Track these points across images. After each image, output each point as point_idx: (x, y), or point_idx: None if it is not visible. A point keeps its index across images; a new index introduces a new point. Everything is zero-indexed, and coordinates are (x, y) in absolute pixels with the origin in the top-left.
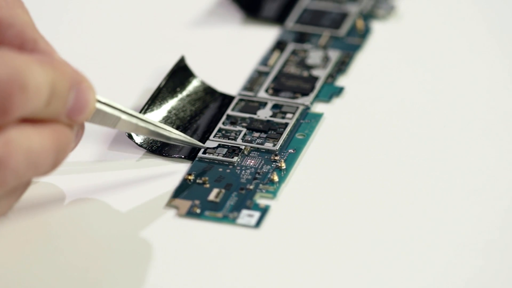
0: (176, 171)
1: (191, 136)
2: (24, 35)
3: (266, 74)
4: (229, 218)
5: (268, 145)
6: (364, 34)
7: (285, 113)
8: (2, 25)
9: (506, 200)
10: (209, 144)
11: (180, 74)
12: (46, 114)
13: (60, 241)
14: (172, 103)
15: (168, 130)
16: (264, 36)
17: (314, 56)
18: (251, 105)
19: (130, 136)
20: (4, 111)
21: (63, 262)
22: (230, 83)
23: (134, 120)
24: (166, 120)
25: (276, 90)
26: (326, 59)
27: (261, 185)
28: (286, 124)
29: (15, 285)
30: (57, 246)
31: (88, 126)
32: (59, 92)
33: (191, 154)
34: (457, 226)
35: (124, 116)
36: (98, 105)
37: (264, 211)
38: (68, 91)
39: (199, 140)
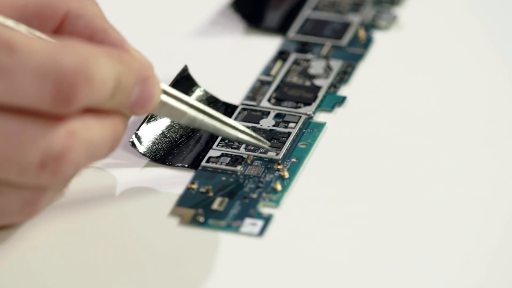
0: (179, 180)
1: (195, 144)
2: (94, 25)
3: (269, 83)
4: (232, 227)
5: (271, 154)
6: (366, 44)
7: (287, 122)
8: (71, 17)
9: (510, 206)
10: (213, 153)
11: (183, 83)
12: (109, 106)
13: (62, 249)
14: None
15: (236, 128)
16: (266, 46)
17: (316, 66)
18: (254, 115)
19: (133, 145)
20: (68, 101)
21: (65, 270)
22: (233, 92)
23: (200, 116)
24: (170, 129)
25: (278, 99)
26: (328, 68)
27: (264, 194)
28: (289, 134)
29: None
30: (58, 254)
31: None
32: (124, 86)
33: (194, 163)
34: (461, 235)
35: (190, 111)
36: (165, 98)
37: (267, 219)
38: (133, 85)
39: (202, 150)
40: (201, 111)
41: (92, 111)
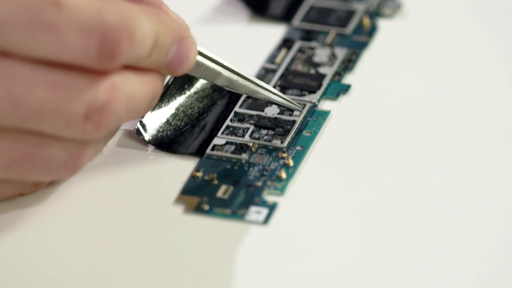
0: (184, 167)
1: (199, 132)
2: None
3: (273, 71)
4: (237, 215)
5: (276, 142)
6: (370, 32)
7: (292, 110)
8: None
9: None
10: (217, 141)
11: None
12: (147, 64)
13: (68, 235)
14: (180, 100)
15: (268, 90)
16: (271, 34)
17: (321, 54)
18: (259, 103)
19: (138, 132)
20: (112, 56)
21: (71, 257)
22: None
23: (234, 77)
24: (174, 117)
25: (283, 87)
26: (333, 57)
27: (269, 182)
28: (294, 122)
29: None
30: (64, 241)
31: None
32: (162, 44)
33: (199, 150)
34: (468, 224)
35: (224, 72)
36: (200, 59)
37: (272, 207)
38: (170, 43)
39: (207, 137)
40: (235, 73)
41: (131, 67)
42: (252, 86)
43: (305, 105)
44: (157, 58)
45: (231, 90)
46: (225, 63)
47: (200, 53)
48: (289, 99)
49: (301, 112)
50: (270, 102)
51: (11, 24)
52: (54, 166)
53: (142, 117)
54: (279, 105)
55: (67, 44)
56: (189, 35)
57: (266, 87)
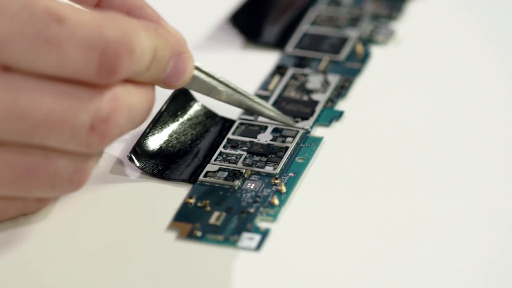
0: (177, 194)
1: (192, 159)
2: (130, 2)
3: (267, 98)
4: (230, 241)
5: (269, 169)
6: (363, 58)
7: (285, 137)
8: None
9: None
10: (210, 167)
11: (181, 98)
12: (145, 78)
13: (60, 263)
14: (173, 127)
15: (262, 105)
16: (264, 60)
17: (314, 81)
18: (252, 129)
19: (131, 159)
20: (113, 71)
21: (64, 283)
22: (231, 107)
23: (230, 91)
24: (167, 143)
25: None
26: (326, 83)
27: (261, 208)
28: (286, 148)
29: None
30: (56, 269)
31: None
32: (160, 59)
33: (192, 177)
34: (460, 251)
35: (220, 86)
36: (197, 73)
37: (264, 234)
38: (168, 58)
39: (200, 164)
40: (230, 87)
41: (130, 81)
42: (247, 101)
43: (297, 131)
44: (155, 73)
45: (228, 104)
46: (221, 78)
47: (197, 68)
48: (282, 116)
49: (293, 126)
50: (266, 117)
51: (15, 39)
52: (59, 181)
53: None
54: (274, 120)
55: (69, 59)
56: (186, 50)
57: (261, 103)
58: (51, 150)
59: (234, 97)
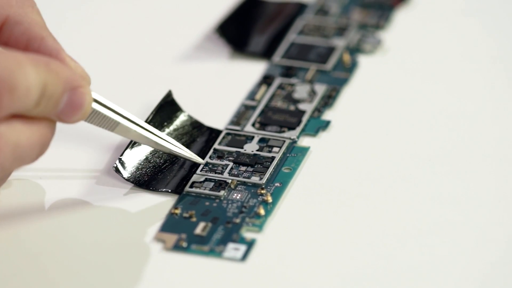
0: (162, 205)
1: (179, 169)
2: (31, 32)
3: (253, 108)
4: (215, 252)
5: (255, 179)
6: (350, 68)
7: (271, 147)
8: (10, 22)
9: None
10: (196, 178)
11: (167, 108)
12: (36, 113)
13: (45, 275)
14: None
15: (169, 142)
16: (251, 70)
17: (300, 90)
18: (238, 139)
19: (117, 170)
20: None
21: None
22: (217, 117)
23: (133, 127)
24: (154, 154)
25: (263, 124)
26: (312, 93)
27: (247, 219)
28: (273, 158)
29: None
30: (41, 281)
31: (77, 159)
32: (50, 94)
33: (178, 188)
34: (453, 259)
35: (123, 122)
36: (98, 108)
37: (250, 244)
38: (60, 93)
39: (186, 175)
40: (134, 123)
41: (18, 116)
42: (152, 137)
43: (284, 141)
44: (46, 108)
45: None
46: (125, 113)
47: (98, 102)
48: (190, 154)
49: (202, 163)
50: (171, 154)
51: None
52: None
53: (30, 163)
54: (179, 157)
55: None
56: (82, 85)
57: (167, 139)
58: None
59: (137, 133)
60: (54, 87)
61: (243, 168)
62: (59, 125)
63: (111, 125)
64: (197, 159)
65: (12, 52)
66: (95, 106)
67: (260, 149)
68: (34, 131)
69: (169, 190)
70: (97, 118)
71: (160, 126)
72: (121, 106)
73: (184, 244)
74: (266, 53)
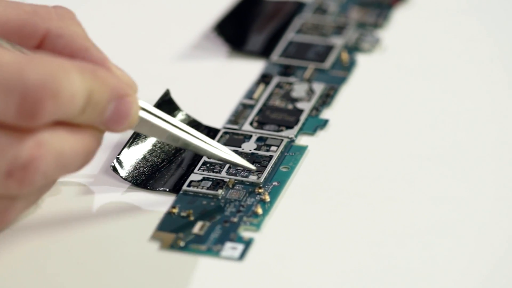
0: (160, 204)
1: (176, 168)
2: (74, 44)
3: (251, 107)
4: (213, 251)
5: (253, 178)
6: (349, 67)
7: (269, 146)
8: (52, 36)
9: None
10: (194, 177)
11: (165, 107)
12: (81, 121)
13: (42, 274)
14: None
15: (219, 149)
16: (249, 69)
17: (298, 89)
18: (236, 138)
19: (115, 169)
20: (34, 116)
21: None
22: (215, 116)
23: (182, 135)
24: (151, 153)
25: (260, 123)
26: (310, 92)
27: (245, 218)
28: (271, 157)
29: None
30: (38, 280)
31: None
32: (96, 102)
33: (175, 187)
34: (453, 258)
35: (172, 130)
36: (146, 116)
37: (248, 243)
38: (106, 102)
39: (183, 174)
40: (183, 131)
41: (65, 124)
42: (201, 144)
43: (282, 140)
44: (91, 116)
45: (181, 147)
46: (173, 121)
47: (146, 111)
48: (241, 158)
49: (253, 170)
50: (222, 161)
51: None
52: None
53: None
54: (232, 164)
55: None
56: (129, 93)
57: (216, 146)
58: None
59: (187, 140)
60: (100, 94)
61: (241, 167)
62: None
63: (160, 133)
64: (249, 165)
65: (57, 58)
66: (142, 114)
67: (258, 148)
68: (79, 139)
69: (167, 189)
70: (145, 127)
71: None
72: (165, 114)
73: (182, 243)
74: (264, 52)
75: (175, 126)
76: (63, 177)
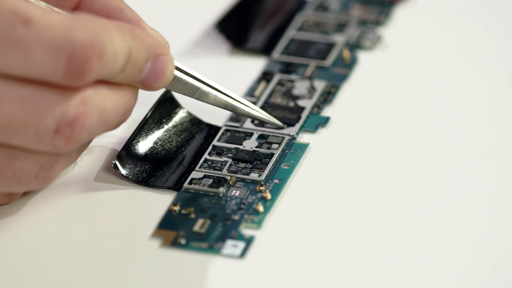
0: (161, 201)
1: (177, 166)
2: (109, 6)
3: (253, 104)
4: (214, 249)
5: (254, 176)
6: (350, 64)
7: (270, 143)
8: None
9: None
10: (195, 174)
11: (166, 105)
12: (121, 79)
13: (45, 271)
14: (158, 134)
15: (247, 106)
16: (250, 66)
17: (300, 87)
18: (237, 136)
19: (115, 167)
20: (81, 74)
21: None
22: (216, 113)
23: (213, 92)
24: (152, 151)
25: (262, 120)
26: (312, 89)
27: (246, 216)
28: (272, 155)
29: None
30: (38, 277)
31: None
32: (135, 61)
33: (176, 184)
34: (453, 256)
35: (203, 87)
36: (179, 74)
37: (249, 241)
38: (145, 60)
39: (185, 171)
40: (214, 88)
41: (104, 82)
42: (231, 101)
43: (283, 137)
44: (130, 74)
45: (214, 105)
46: (204, 79)
47: (179, 69)
48: (269, 117)
49: (282, 128)
50: (253, 118)
51: None
52: (26, 178)
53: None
54: (260, 120)
55: (36, 61)
56: (165, 52)
57: (246, 103)
58: (17, 149)
59: (218, 98)
60: (139, 53)
61: (242, 165)
62: None
63: (192, 91)
64: (277, 122)
65: (99, 18)
66: (176, 73)
67: (259, 146)
68: (119, 96)
69: (168, 187)
70: (178, 85)
71: (159, 122)
72: (197, 72)
73: (183, 241)
74: (266, 50)
75: (207, 84)
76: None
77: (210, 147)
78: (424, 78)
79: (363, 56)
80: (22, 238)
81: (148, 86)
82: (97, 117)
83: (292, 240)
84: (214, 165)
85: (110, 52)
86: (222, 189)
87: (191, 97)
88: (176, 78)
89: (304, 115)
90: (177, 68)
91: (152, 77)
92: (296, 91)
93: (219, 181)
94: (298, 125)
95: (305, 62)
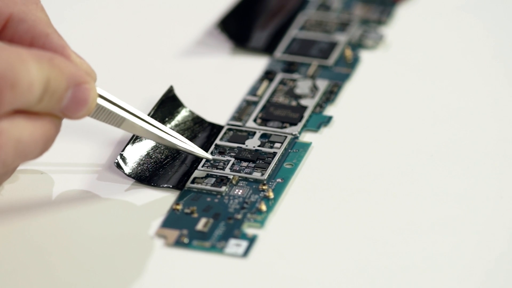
0: (164, 200)
1: (180, 165)
2: (35, 30)
3: (255, 103)
4: (217, 248)
5: (256, 175)
6: (352, 63)
7: (273, 142)
8: (14, 20)
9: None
10: (198, 173)
11: (169, 104)
12: (39, 109)
13: (49, 269)
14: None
15: (175, 137)
16: (253, 66)
17: (302, 86)
18: (240, 135)
19: (118, 166)
20: None
21: None
22: (219, 113)
23: (139, 123)
24: (155, 150)
25: (264, 119)
26: (314, 88)
27: (249, 215)
28: (274, 154)
29: None
30: (44, 274)
31: (79, 155)
32: (54, 90)
33: (179, 183)
34: (455, 255)
35: (129, 118)
36: (103, 103)
37: (251, 240)
38: (64, 89)
39: (187, 170)
40: (140, 119)
41: (22, 112)
42: (158, 133)
43: (285, 137)
44: (49, 104)
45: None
46: (131, 109)
47: (104, 98)
48: (197, 150)
49: (209, 159)
50: (178, 150)
51: None
52: None
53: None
54: (186, 153)
55: None
56: (87, 80)
57: (174, 135)
58: None
59: (144, 129)
60: (57, 82)
61: (244, 164)
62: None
63: (117, 121)
64: (204, 154)
65: (14, 48)
66: (100, 102)
67: (262, 145)
68: (37, 127)
69: (171, 186)
70: (102, 114)
71: (161, 121)
72: (123, 101)
73: (186, 240)
74: (268, 49)
75: (133, 114)
76: (22, 164)
77: (213, 146)
78: (426, 77)
79: (365, 55)
80: (23, 237)
81: (70, 115)
82: (12, 148)
83: (294, 239)
84: (217, 164)
85: (24, 82)
86: (224, 188)
87: (118, 127)
88: (100, 108)
89: (306, 114)
90: (103, 97)
91: (73, 106)
92: (298, 90)
93: (221, 180)
94: (300, 124)
95: (308, 61)
